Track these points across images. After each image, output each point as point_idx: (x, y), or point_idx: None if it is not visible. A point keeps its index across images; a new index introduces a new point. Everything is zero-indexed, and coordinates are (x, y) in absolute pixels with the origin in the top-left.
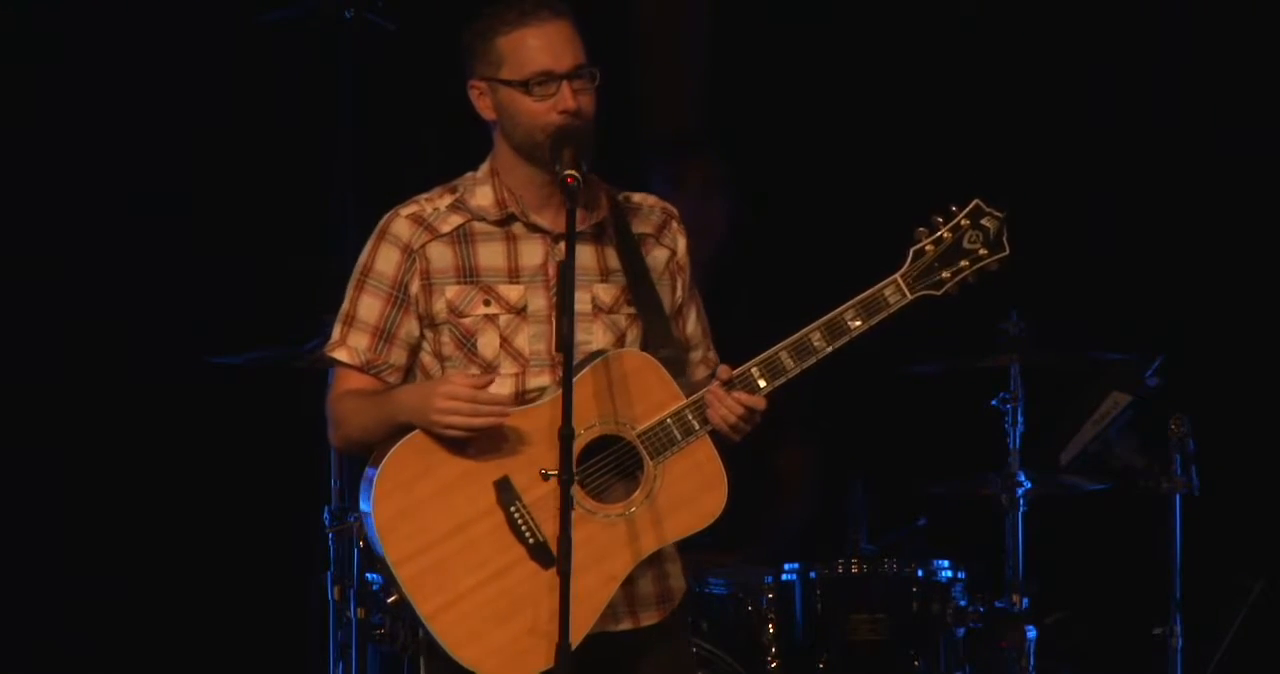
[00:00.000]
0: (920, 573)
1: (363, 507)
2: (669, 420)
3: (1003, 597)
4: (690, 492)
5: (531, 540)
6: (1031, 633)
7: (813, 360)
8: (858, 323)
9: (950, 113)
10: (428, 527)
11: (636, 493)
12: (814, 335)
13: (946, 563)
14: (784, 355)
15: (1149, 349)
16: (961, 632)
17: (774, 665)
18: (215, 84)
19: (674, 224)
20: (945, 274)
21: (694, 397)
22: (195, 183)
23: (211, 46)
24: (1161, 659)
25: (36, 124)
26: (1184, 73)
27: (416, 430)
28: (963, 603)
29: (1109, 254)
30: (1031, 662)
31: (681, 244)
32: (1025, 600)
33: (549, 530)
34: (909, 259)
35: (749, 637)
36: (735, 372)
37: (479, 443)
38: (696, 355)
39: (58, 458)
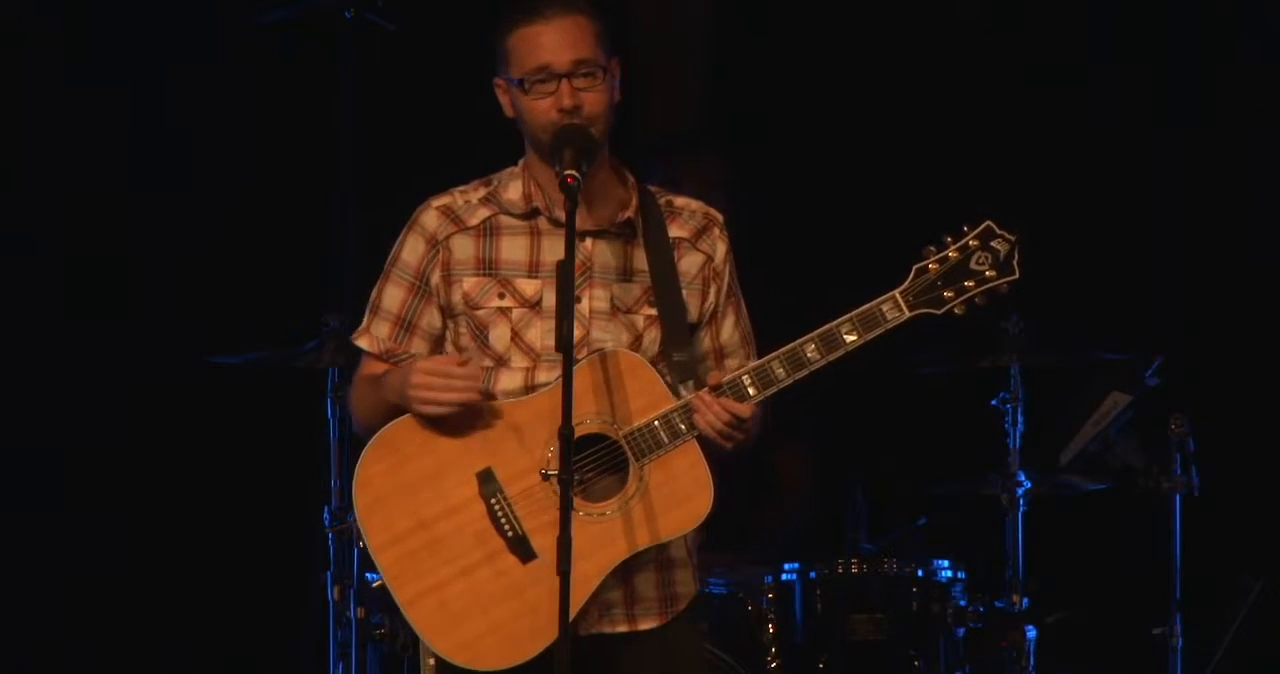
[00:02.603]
0: (920, 573)
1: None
2: (656, 423)
3: (1003, 597)
4: (674, 496)
5: (510, 533)
6: (1031, 633)
7: (806, 372)
8: (853, 337)
9: (952, 112)
10: (409, 513)
11: (621, 493)
12: (808, 347)
13: (946, 563)
14: (776, 365)
15: (1149, 349)
16: (961, 632)
17: (774, 665)
18: (215, 84)
19: (716, 230)
20: (948, 293)
21: (682, 401)
22: (195, 183)
23: (211, 46)
24: (1161, 659)
25: (36, 124)
26: (1184, 73)
27: (403, 417)
28: (963, 603)
29: (1109, 254)
30: (1031, 662)
31: (721, 250)
32: (1025, 600)
33: (529, 524)
34: (910, 276)
35: (749, 637)
36: (725, 378)
37: (464, 432)
38: (734, 362)
39: (58, 458)
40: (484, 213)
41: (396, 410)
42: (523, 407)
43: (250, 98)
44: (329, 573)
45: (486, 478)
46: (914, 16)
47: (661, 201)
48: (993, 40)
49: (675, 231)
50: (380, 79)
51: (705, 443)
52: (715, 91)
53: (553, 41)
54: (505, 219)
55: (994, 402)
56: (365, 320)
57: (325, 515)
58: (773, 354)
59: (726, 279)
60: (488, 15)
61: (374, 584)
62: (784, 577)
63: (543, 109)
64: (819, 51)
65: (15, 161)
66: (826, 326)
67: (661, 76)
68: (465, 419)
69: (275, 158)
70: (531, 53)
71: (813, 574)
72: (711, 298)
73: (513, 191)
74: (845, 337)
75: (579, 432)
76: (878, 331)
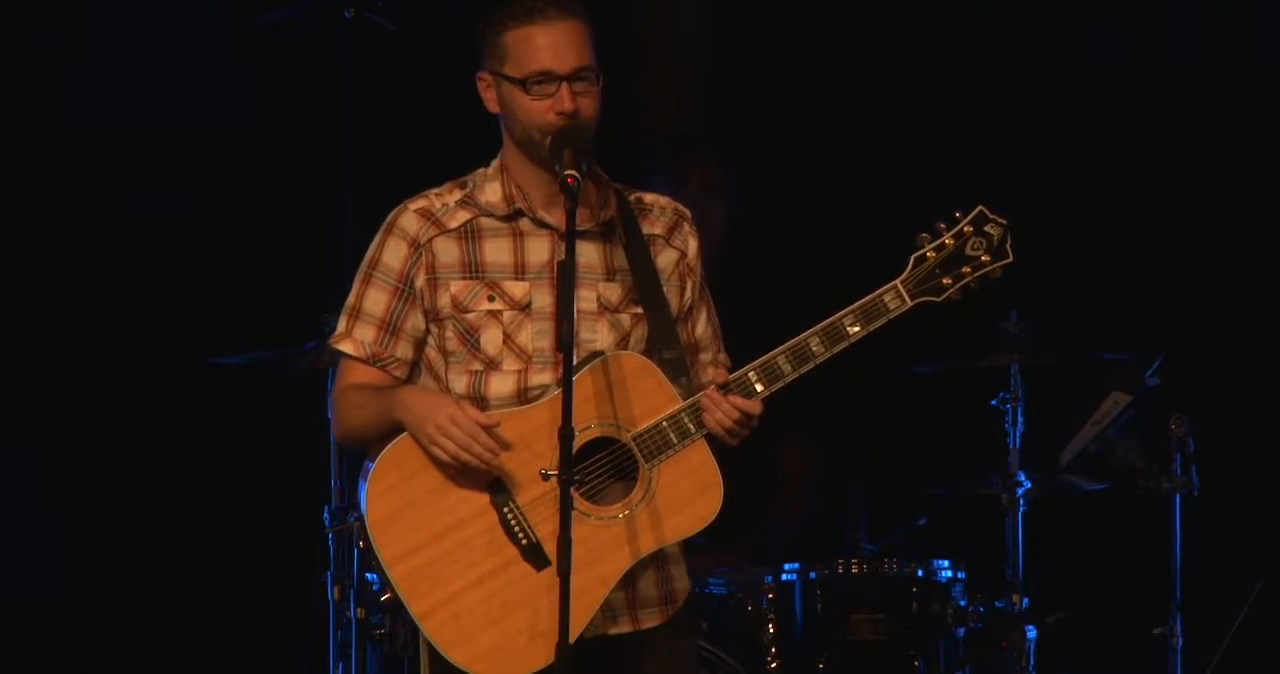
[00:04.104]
0: (920, 573)
1: (359, 504)
2: (665, 424)
3: (1003, 597)
4: (685, 495)
5: (525, 542)
6: (1031, 633)
7: (811, 365)
8: (856, 328)
9: (952, 112)
10: (421, 526)
11: (631, 496)
12: (812, 340)
13: (946, 563)
14: (782, 360)
15: (1149, 349)
16: (961, 632)
17: (774, 665)
18: (215, 84)
19: (686, 225)
20: (946, 280)
21: (690, 400)
22: (195, 183)
23: (211, 46)
24: (1161, 659)
25: (36, 123)
26: (1184, 73)
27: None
28: (963, 603)
29: (1109, 254)
30: (1031, 662)
31: (693, 245)
32: (1025, 600)
33: (542, 532)
34: (910, 265)
35: (749, 637)
36: (732, 376)
37: None
38: (707, 357)
39: (58, 458)
40: (464, 215)
41: (395, 428)
42: (528, 415)
43: (250, 98)
44: (329, 573)
45: (497, 487)
46: (915, 14)
47: (631, 198)
48: (994, 39)
49: (648, 228)
50: (380, 79)
51: (711, 439)
52: (715, 91)
53: (557, 45)
54: (486, 221)
55: (994, 402)
56: (344, 325)
57: (325, 515)
58: (777, 349)
59: (699, 273)
60: (486, 15)
61: (383, 598)
62: (784, 577)
63: (540, 111)
64: (819, 50)
65: (15, 160)
66: (829, 319)
67: (661, 76)
68: (459, 464)
69: (275, 158)
70: (533, 55)
71: (813, 574)
72: (688, 293)
73: (491, 193)
74: (849, 328)
75: (585, 437)
76: (880, 322)
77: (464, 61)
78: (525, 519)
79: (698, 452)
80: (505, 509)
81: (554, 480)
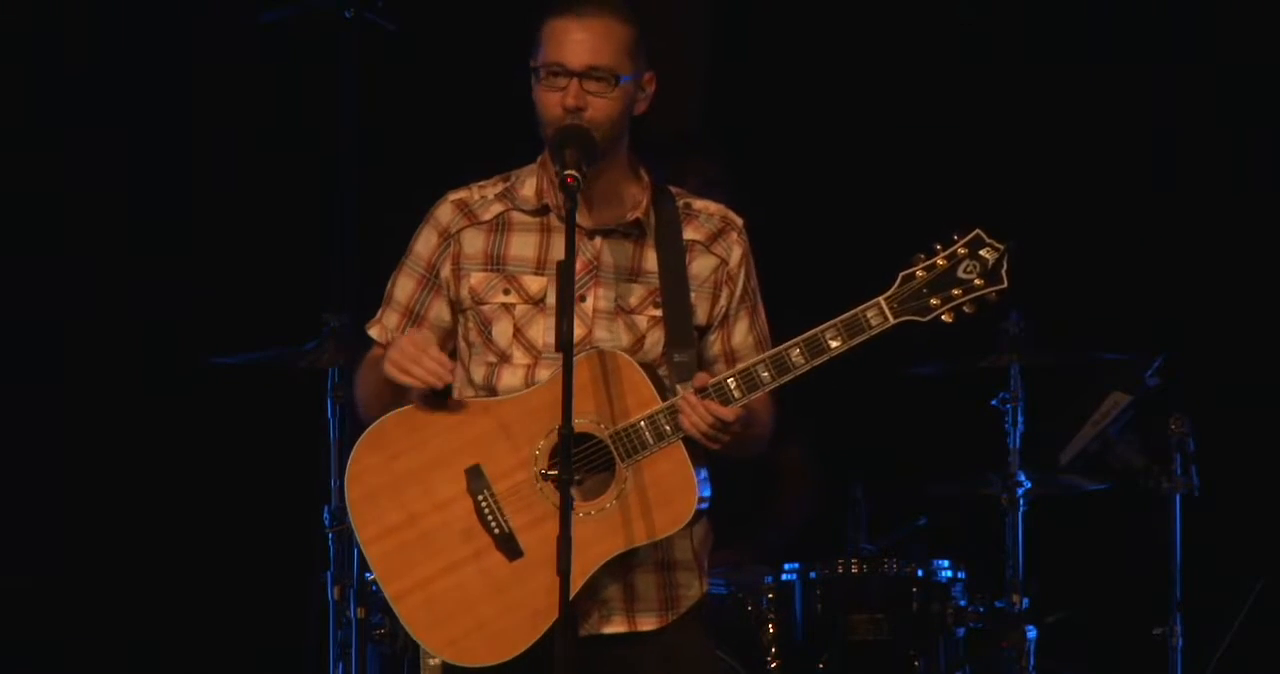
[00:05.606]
0: (920, 573)
1: None
2: (642, 424)
3: (1003, 597)
4: (658, 497)
5: (497, 531)
6: (1031, 633)
7: (790, 376)
8: (837, 343)
9: (951, 111)
10: (399, 507)
11: (606, 494)
12: (793, 352)
13: (946, 563)
14: (761, 368)
15: (1149, 349)
16: (961, 632)
17: (774, 665)
18: (215, 83)
19: (733, 234)
20: (934, 301)
21: (668, 402)
22: (195, 182)
23: (212, 46)
24: (1161, 659)
25: (37, 124)
26: (1184, 74)
27: (394, 412)
28: (963, 603)
29: (1109, 254)
30: (1031, 662)
31: (736, 254)
32: (1025, 600)
33: (516, 522)
34: (896, 283)
35: (749, 637)
36: (711, 381)
37: (455, 428)
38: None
39: (58, 458)
40: (497, 208)
41: (392, 389)
42: (512, 404)
43: (250, 98)
44: (329, 573)
45: (475, 474)
46: (915, 15)
47: (680, 203)
48: (994, 40)
49: (690, 234)
50: (380, 79)
51: (695, 444)
52: (715, 92)
53: (577, 40)
54: (518, 215)
55: (994, 402)
56: (379, 311)
57: (325, 515)
58: (758, 357)
59: (741, 283)
60: (487, 16)
61: (378, 590)
62: (784, 577)
63: (549, 103)
64: (819, 52)
65: (15, 160)
66: (812, 332)
67: (662, 76)
68: (456, 415)
69: (275, 157)
70: (555, 46)
71: (813, 574)
72: (723, 301)
73: (528, 188)
74: (829, 342)
75: None
76: (861, 338)
77: (464, 62)
78: (499, 508)
79: (674, 454)
80: (480, 497)
81: (531, 472)
